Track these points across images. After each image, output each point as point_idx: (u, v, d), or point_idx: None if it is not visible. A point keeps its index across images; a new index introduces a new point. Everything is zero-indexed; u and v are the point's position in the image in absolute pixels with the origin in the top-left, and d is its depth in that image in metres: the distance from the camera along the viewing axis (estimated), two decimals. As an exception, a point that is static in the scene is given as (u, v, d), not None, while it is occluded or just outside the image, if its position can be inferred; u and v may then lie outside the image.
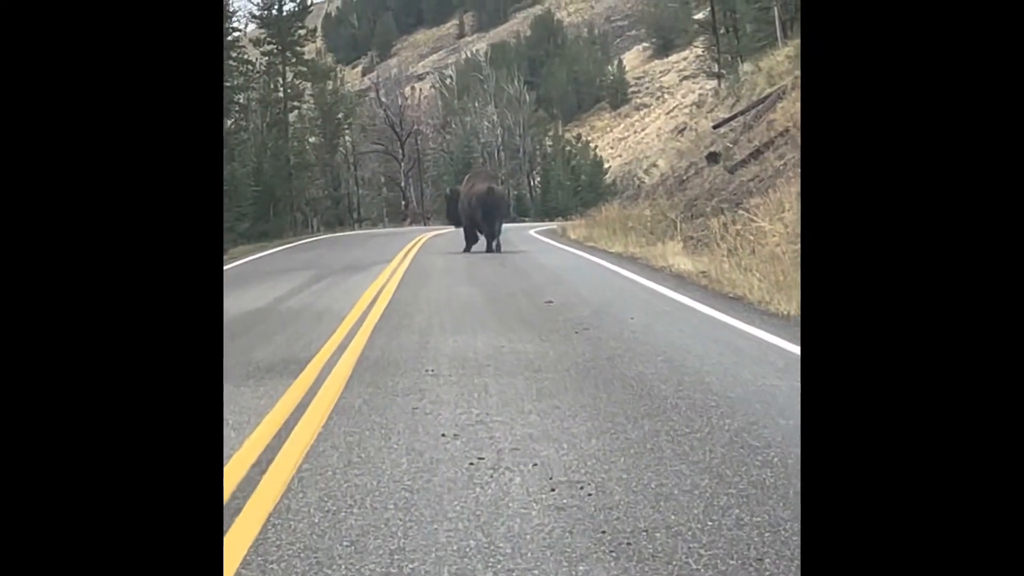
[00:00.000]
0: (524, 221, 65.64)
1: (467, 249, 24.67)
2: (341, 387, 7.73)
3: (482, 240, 24.61)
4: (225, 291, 16.45)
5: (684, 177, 31.52)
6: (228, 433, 6.26)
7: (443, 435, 6.18)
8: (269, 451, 5.90)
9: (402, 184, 78.97)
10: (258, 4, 59.25)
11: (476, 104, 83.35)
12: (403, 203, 78.47)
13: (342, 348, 9.67)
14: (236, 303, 14.10)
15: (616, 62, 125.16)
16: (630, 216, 31.39)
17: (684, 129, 45.55)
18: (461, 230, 25.65)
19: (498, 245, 24.31)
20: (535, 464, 5.48)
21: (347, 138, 74.83)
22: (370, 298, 14.09)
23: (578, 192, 75.95)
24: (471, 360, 8.79)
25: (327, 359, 9.05)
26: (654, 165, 42.60)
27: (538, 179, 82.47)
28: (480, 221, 24.40)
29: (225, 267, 22.96)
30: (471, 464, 5.52)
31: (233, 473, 5.43)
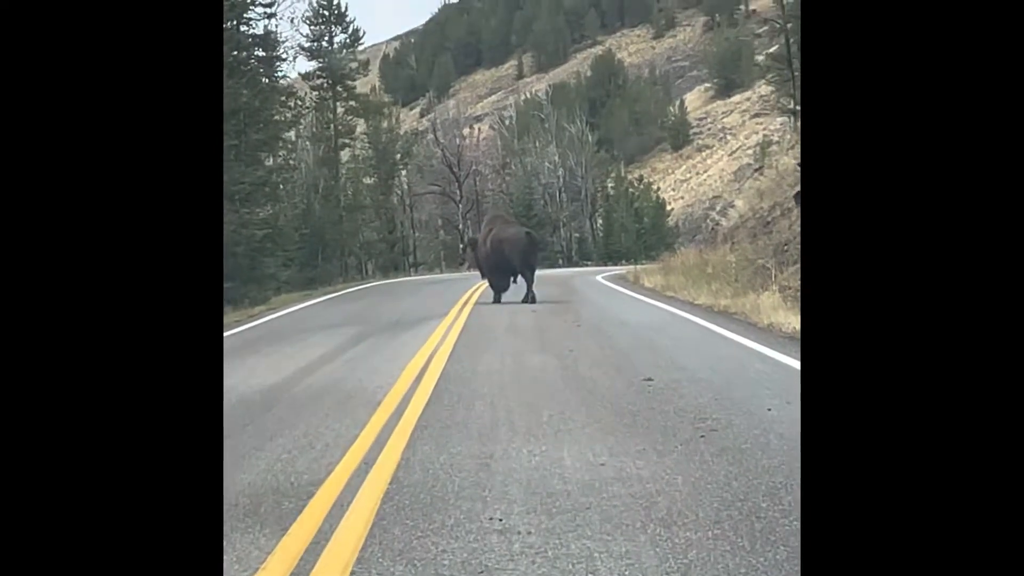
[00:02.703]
0: (587, 265, 62.91)
1: (497, 300, 22.34)
2: (350, 564, 4.71)
3: (510, 290, 22.56)
4: (241, 358, 13.52)
5: (768, 219, 28.56)
6: None
7: None
8: None
9: (460, 227, 76.00)
10: (307, 36, 56.77)
11: (537, 144, 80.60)
12: (461, 247, 75.56)
13: (368, 463, 6.67)
14: (248, 377, 11.20)
15: (678, 103, 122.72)
16: (709, 261, 28.61)
17: (760, 168, 42.59)
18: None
19: (532, 296, 22.06)
20: None
21: (403, 179, 72.37)
22: (417, 369, 11.12)
23: (641, 235, 73.20)
24: (558, 494, 5.74)
25: (342, 487, 6.03)
26: (731, 205, 39.54)
27: (600, 222, 79.62)
28: (517, 270, 22.21)
29: (256, 323, 20.23)
30: None
31: None
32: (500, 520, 5.26)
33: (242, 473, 6.52)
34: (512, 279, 22.43)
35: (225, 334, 17.34)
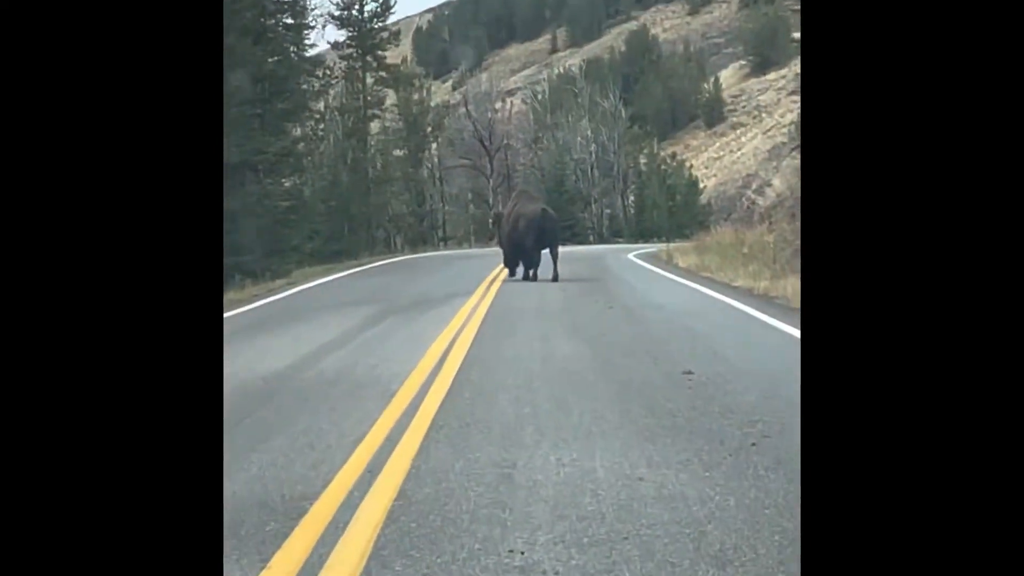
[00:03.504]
0: (618, 242, 61.99)
1: (525, 277, 21.62)
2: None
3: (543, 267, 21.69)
4: (251, 337, 12.69)
5: (807, 198, 27.58)
6: None
7: None
8: None
9: (490, 201, 74.96)
10: (337, 3, 55.74)
11: (569, 119, 79.47)
12: (491, 221, 74.56)
13: (373, 471, 5.85)
14: (254, 361, 10.40)
15: (712, 80, 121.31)
16: (745, 241, 27.74)
17: (798, 146, 41.48)
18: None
19: (555, 275, 21.16)
20: None
21: (433, 152, 71.45)
22: (437, 355, 10.31)
23: (673, 213, 72.11)
24: (591, 518, 4.88)
25: (339, 504, 5.20)
26: (767, 184, 38.47)
27: (632, 198, 78.54)
28: (531, 248, 21.37)
29: (274, 298, 19.42)
30: None
31: None
32: (522, 553, 4.42)
33: (228, 480, 5.67)
34: (526, 257, 21.72)
35: (239, 310, 16.62)
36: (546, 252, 21.46)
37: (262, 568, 4.31)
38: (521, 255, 21.71)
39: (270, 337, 12.70)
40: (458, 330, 12.43)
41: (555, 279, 20.84)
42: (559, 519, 4.87)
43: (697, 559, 4.32)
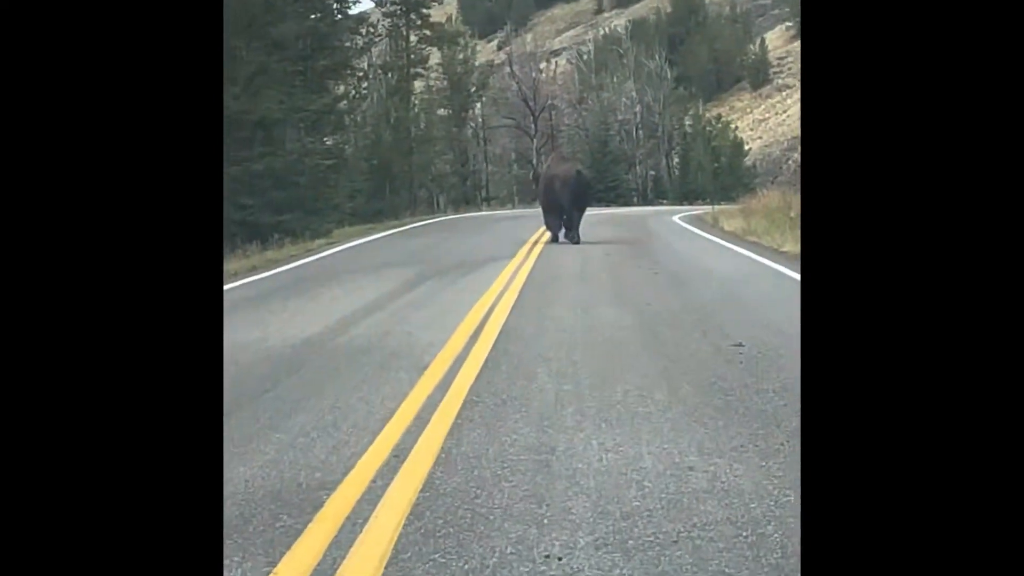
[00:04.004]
0: (662, 204, 61.42)
1: (553, 239, 21.57)
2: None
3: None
4: (284, 299, 12.29)
5: (858, 161, 27.00)
6: None
7: None
8: None
9: (534, 161, 74.35)
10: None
11: (614, 79, 78.71)
12: (533, 184, 73.96)
13: (400, 455, 5.38)
14: (285, 326, 10.00)
15: (758, 41, 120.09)
16: (792, 205, 27.14)
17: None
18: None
19: (577, 236, 21.23)
20: None
21: (477, 111, 70.90)
22: (475, 323, 9.85)
23: (718, 175, 71.33)
24: (637, 516, 4.39)
25: (360, 495, 4.73)
26: (816, 147, 37.77)
27: (677, 160, 77.81)
28: (568, 208, 21.27)
29: (312, 258, 19.06)
30: None
31: None
32: (560, 559, 3.94)
33: (241, 465, 5.23)
34: (565, 218, 21.53)
35: (274, 271, 16.28)
36: None
37: (268, 573, 3.86)
38: (559, 216, 21.51)
39: (305, 300, 12.29)
40: (497, 296, 11.97)
41: (576, 241, 20.95)
42: (602, 516, 4.40)
43: (757, 569, 3.83)
